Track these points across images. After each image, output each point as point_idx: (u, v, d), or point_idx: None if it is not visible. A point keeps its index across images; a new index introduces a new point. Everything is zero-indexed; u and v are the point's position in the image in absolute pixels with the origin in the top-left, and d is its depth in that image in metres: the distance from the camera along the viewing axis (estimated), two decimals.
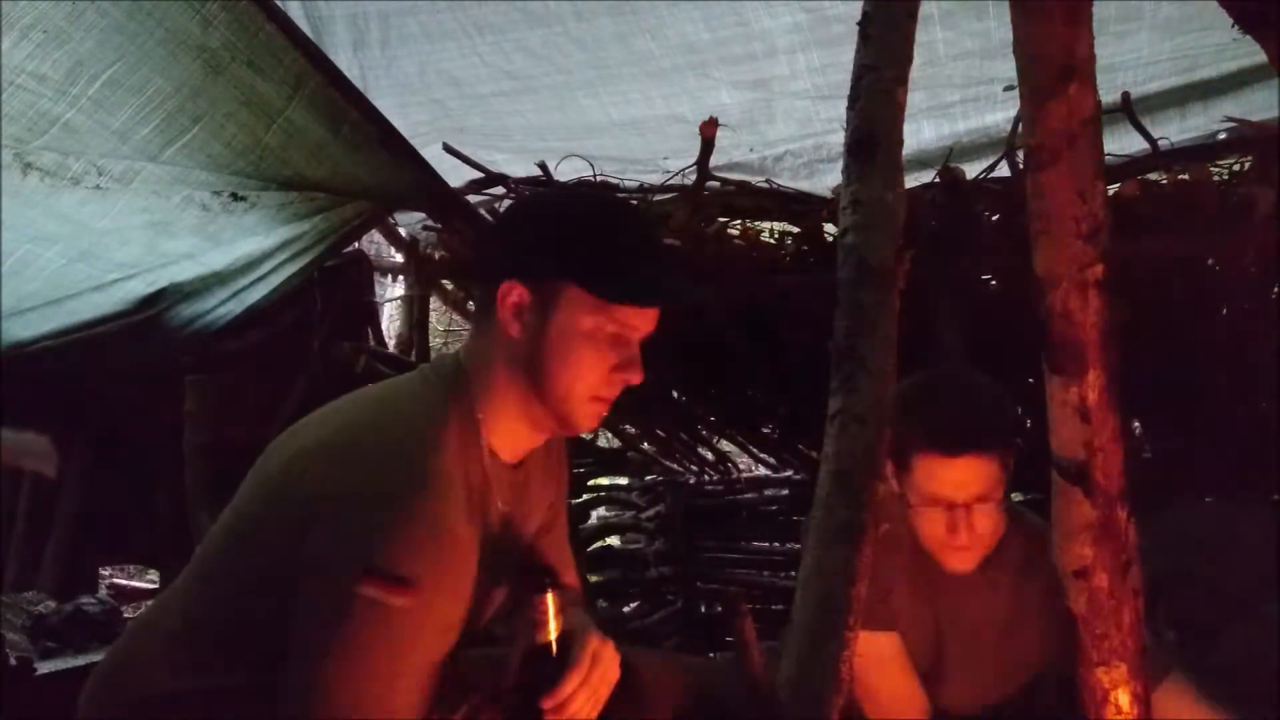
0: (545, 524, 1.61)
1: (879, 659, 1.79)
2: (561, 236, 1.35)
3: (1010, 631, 1.85)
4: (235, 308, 3.05)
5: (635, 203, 1.47)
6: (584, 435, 4.33)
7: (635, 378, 1.36)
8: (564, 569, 1.65)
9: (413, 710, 1.23)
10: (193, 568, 1.44)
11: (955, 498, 1.70)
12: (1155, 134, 2.68)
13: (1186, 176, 2.63)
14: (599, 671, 1.33)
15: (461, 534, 1.29)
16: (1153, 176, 2.72)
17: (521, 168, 2.94)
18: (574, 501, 3.88)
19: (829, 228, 2.84)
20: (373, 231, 3.36)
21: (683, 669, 1.73)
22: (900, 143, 1.69)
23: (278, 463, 1.36)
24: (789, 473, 4.26)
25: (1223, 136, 2.79)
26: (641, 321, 1.35)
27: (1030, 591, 1.79)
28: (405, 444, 1.29)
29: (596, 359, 1.33)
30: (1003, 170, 2.79)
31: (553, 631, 1.32)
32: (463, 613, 1.32)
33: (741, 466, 4.56)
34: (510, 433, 1.40)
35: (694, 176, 2.81)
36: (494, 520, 1.42)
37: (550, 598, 1.31)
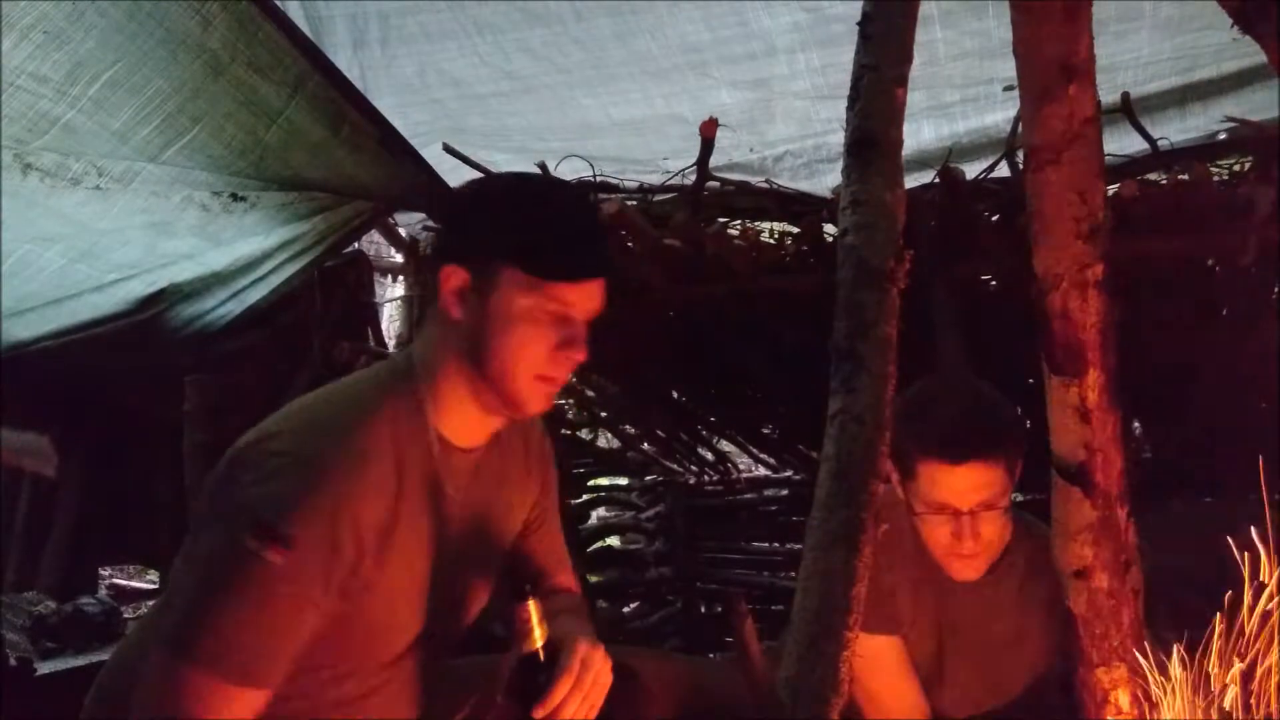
0: (533, 521, 1.62)
1: (879, 662, 1.78)
2: (497, 219, 1.38)
3: (1013, 637, 1.84)
4: (235, 308, 3.05)
5: (573, 183, 1.45)
6: (583, 435, 4.34)
7: (578, 355, 1.37)
8: (558, 568, 1.64)
9: (271, 673, 1.24)
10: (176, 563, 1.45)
11: (960, 505, 1.69)
12: (1155, 134, 2.68)
13: (1186, 176, 2.63)
14: (590, 676, 1.32)
15: (366, 515, 1.29)
16: (1153, 176, 2.72)
17: (521, 168, 2.94)
18: (574, 501, 3.88)
19: (829, 228, 2.84)
20: (373, 231, 3.36)
21: (682, 669, 1.73)
22: (900, 143, 1.69)
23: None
24: (789, 473, 4.26)
25: (1223, 136, 2.79)
26: (580, 299, 1.36)
27: (1034, 597, 1.79)
28: (331, 421, 1.34)
29: (537, 337, 1.34)
30: (1003, 170, 2.79)
31: (539, 640, 1.31)
32: (365, 595, 1.32)
33: (741, 466, 4.55)
34: (460, 417, 1.41)
35: (694, 176, 2.81)
36: (448, 507, 1.42)
37: (532, 605, 1.30)
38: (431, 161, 2.67)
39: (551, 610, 1.40)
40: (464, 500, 1.45)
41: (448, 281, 1.36)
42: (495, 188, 1.57)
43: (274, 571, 1.22)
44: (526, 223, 1.37)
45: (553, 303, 1.34)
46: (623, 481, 4.69)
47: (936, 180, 2.76)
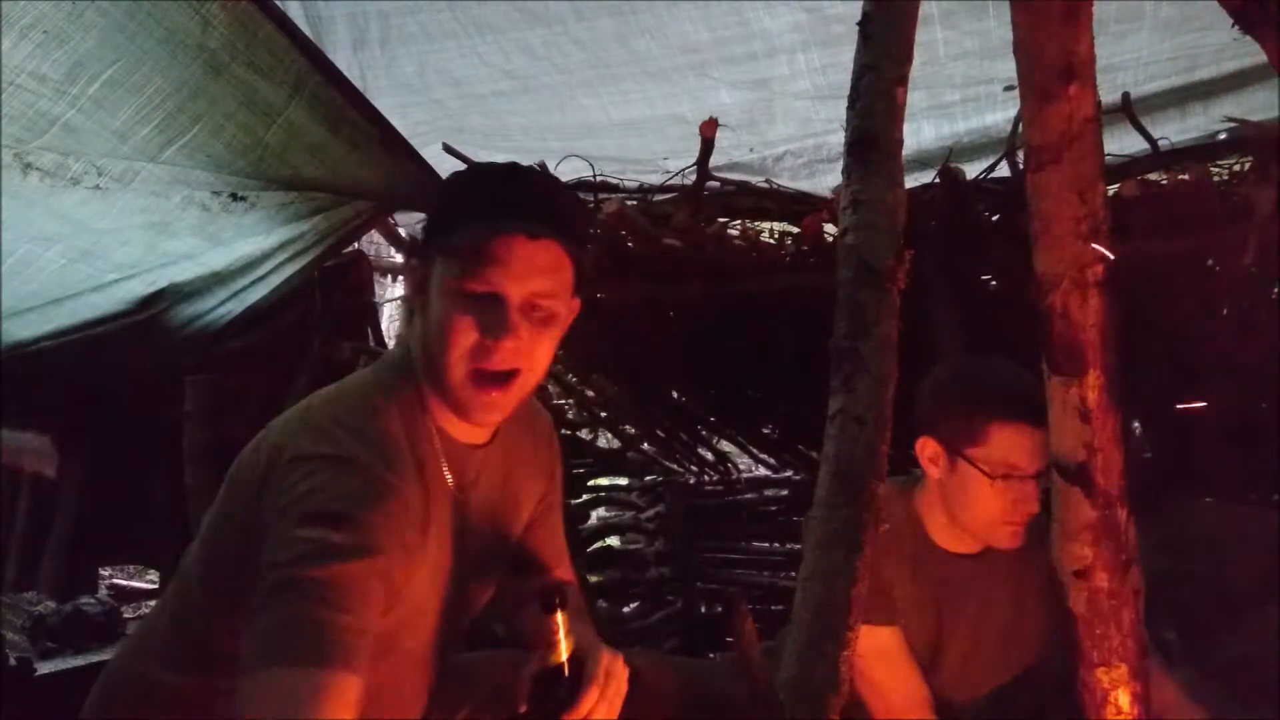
0: (538, 515, 1.61)
1: (881, 653, 1.80)
2: (435, 207, 1.37)
3: (1010, 610, 1.87)
4: (235, 308, 3.05)
5: (519, 165, 1.38)
6: (583, 435, 4.34)
7: (509, 342, 1.28)
8: (558, 561, 1.64)
9: (361, 656, 1.15)
10: (181, 569, 1.45)
11: (1029, 469, 1.71)
12: (1155, 134, 2.68)
13: (1186, 176, 2.63)
14: (614, 687, 1.32)
15: (403, 489, 1.28)
16: (1153, 176, 2.72)
17: None
18: (574, 501, 3.88)
19: (829, 228, 2.84)
20: (373, 231, 3.36)
21: (681, 671, 1.73)
22: (900, 143, 1.69)
23: (246, 451, 1.37)
24: (789, 473, 4.26)
25: (1223, 136, 2.79)
26: (500, 278, 1.27)
27: (1027, 577, 1.82)
28: (349, 414, 1.31)
29: (463, 323, 1.28)
30: (1003, 170, 2.79)
31: (564, 652, 1.31)
32: (407, 569, 1.30)
33: (741, 466, 4.56)
34: (446, 413, 1.37)
35: (694, 176, 2.81)
36: (459, 503, 1.40)
37: (560, 618, 1.30)
38: (431, 161, 2.66)
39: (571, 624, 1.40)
40: (473, 496, 1.44)
41: (410, 278, 1.39)
42: (451, 176, 1.50)
43: (340, 550, 1.17)
44: (443, 207, 1.35)
45: (473, 283, 1.27)
46: (623, 481, 4.69)
47: (936, 180, 2.77)
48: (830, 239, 2.81)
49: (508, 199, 1.31)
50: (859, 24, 1.74)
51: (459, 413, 1.34)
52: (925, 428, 1.80)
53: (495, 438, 1.45)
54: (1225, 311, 2.99)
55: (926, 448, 1.80)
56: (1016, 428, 1.70)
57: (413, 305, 1.37)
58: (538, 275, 1.29)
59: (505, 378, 1.31)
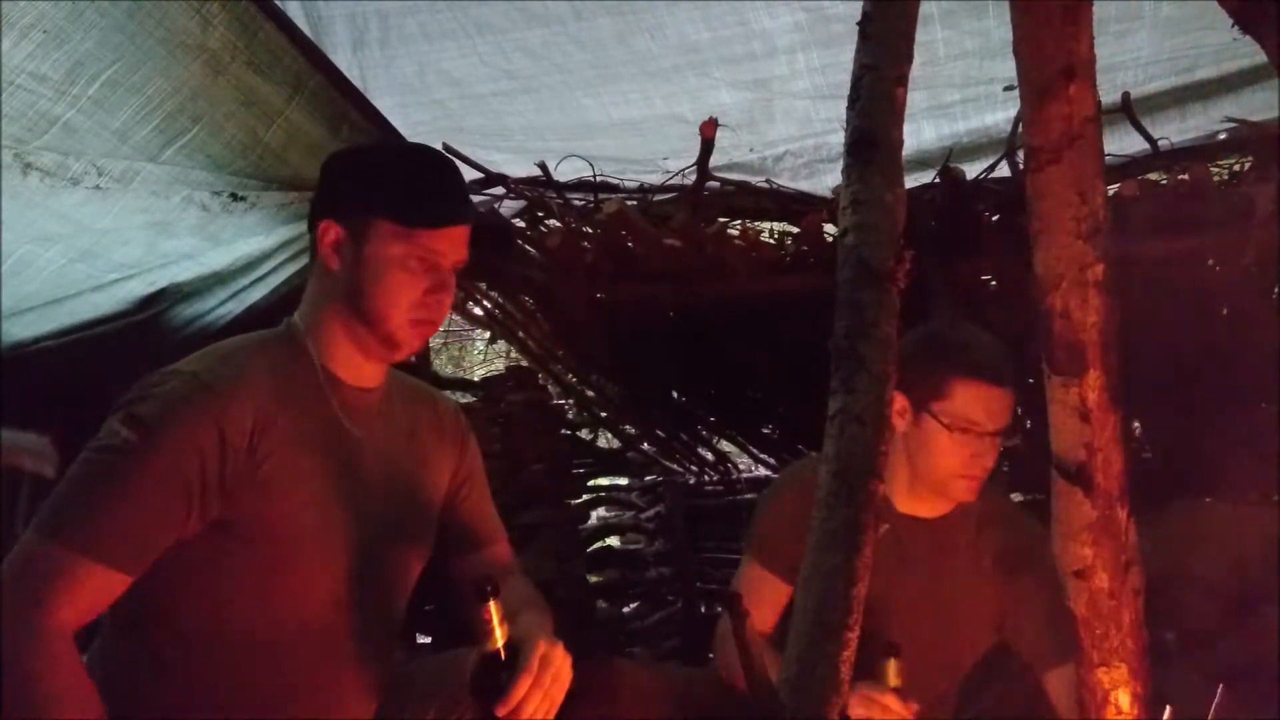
0: (461, 488, 1.68)
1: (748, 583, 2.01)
2: (367, 178, 1.52)
3: (958, 591, 1.92)
4: (235, 308, 3.05)
5: (430, 147, 1.69)
6: (583, 435, 4.34)
7: (447, 298, 1.50)
8: (492, 537, 1.71)
9: (128, 554, 1.33)
10: None
11: (987, 426, 1.82)
12: (1155, 134, 2.68)
13: (1186, 176, 2.63)
14: (550, 673, 1.35)
15: (232, 412, 1.38)
16: (1153, 176, 2.72)
17: (521, 168, 2.94)
18: (574, 501, 3.88)
19: (829, 228, 2.84)
20: None
21: (672, 678, 1.75)
22: (900, 143, 1.69)
23: None
24: None
25: (1223, 136, 2.79)
26: (447, 246, 1.47)
27: (985, 545, 1.91)
28: (212, 350, 1.49)
29: (409, 282, 1.46)
30: (1003, 170, 2.79)
31: (500, 639, 1.34)
32: (219, 478, 1.37)
33: (741, 466, 4.56)
34: (343, 355, 1.51)
35: (694, 176, 2.81)
36: (353, 444, 1.50)
37: (493, 606, 1.33)
38: None
39: (509, 602, 1.43)
40: (373, 444, 1.52)
41: (325, 236, 1.49)
42: (362, 151, 1.79)
43: (134, 449, 1.33)
44: (393, 178, 1.50)
45: (421, 250, 1.45)
46: (623, 481, 4.69)
47: (936, 180, 2.77)
48: (830, 239, 2.81)
49: (454, 187, 1.56)
50: (859, 24, 1.73)
51: (389, 346, 1.49)
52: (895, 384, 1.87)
53: (385, 386, 1.57)
54: (1225, 311, 2.99)
55: (895, 402, 1.85)
56: (977, 384, 1.82)
57: (325, 256, 1.49)
58: (465, 248, 1.51)
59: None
